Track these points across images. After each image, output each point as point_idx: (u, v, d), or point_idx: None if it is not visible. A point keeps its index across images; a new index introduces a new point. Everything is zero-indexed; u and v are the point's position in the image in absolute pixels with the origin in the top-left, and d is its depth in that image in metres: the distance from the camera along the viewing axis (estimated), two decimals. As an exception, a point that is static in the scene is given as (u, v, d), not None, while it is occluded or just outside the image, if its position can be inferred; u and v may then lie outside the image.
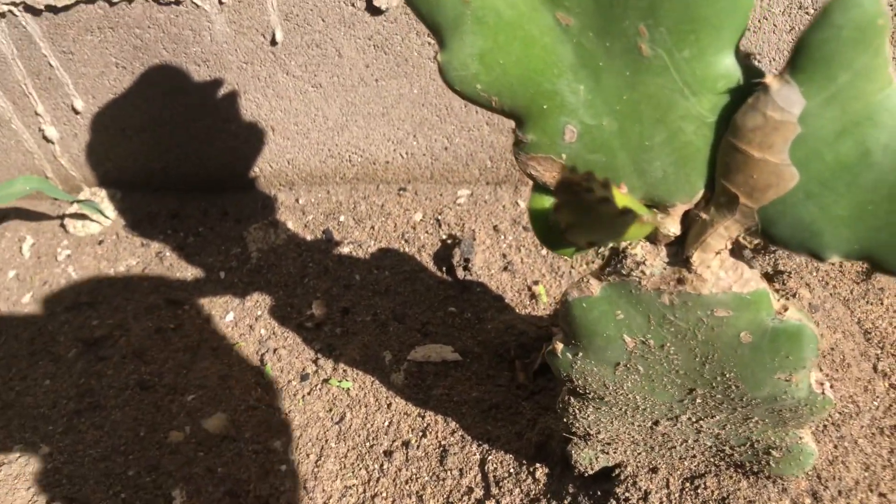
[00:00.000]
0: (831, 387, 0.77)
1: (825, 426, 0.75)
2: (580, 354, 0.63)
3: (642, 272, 0.55)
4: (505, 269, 1.07)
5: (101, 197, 1.33)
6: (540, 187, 0.54)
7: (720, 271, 0.53)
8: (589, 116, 0.49)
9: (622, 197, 0.45)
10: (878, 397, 0.77)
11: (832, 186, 0.46)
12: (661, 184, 0.51)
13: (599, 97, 0.48)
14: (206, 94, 1.15)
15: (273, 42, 1.06)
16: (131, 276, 1.22)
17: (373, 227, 1.17)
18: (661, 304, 0.56)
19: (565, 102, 0.49)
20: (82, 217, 1.31)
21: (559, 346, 0.64)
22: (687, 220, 0.54)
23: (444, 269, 1.10)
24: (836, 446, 0.74)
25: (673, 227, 0.53)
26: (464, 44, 0.48)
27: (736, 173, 0.47)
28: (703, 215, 0.51)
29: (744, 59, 0.46)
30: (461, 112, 1.09)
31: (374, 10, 0.99)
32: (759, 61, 0.96)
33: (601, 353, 0.62)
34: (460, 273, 1.06)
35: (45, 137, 1.29)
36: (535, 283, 1.05)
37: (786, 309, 0.55)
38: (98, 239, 1.30)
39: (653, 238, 0.54)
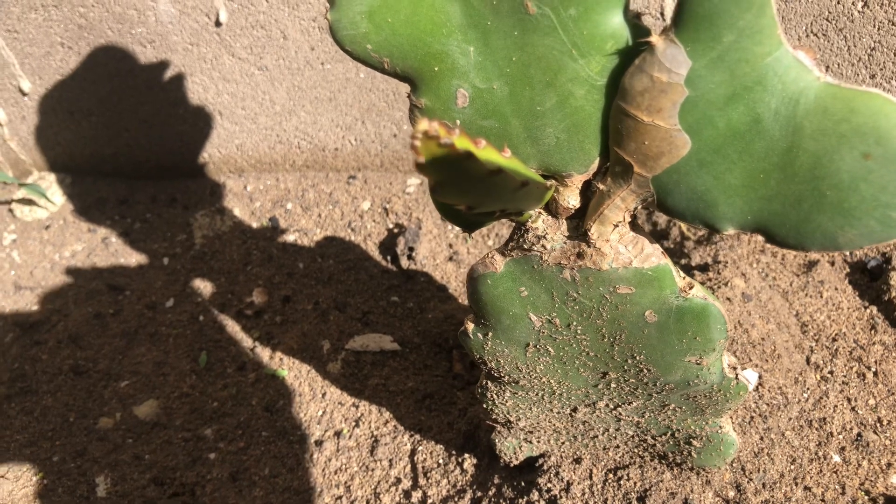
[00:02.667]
0: (760, 380, 0.75)
1: (752, 417, 0.73)
2: (490, 334, 0.61)
3: (543, 246, 0.53)
4: (450, 258, 1.05)
5: (50, 181, 1.31)
6: (438, 156, 0.52)
7: (619, 245, 0.51)
8: (480, 80, 0.47)
9: (490, 152, 0.43)
10: (808, 389, 0.76)
11: (725, 154, 0.44)
12: (554, 151, 0.49)
13: (489, 59, 0.46)
14: (152, 77, 1.13)
15: (217, 23, 1.04)
16: (75, 261, 1.20)
17: (319, 216, 1.15)
18: (564, 280, 0.54)
19: (456, 65, 0.47)
20: (30, 202, 1.28)
21: (470, 326, 0.62)
22: (588, 192, 0.52)
23: (388, 258, 1.08)
24: (762, 438, 0.72)
25: (572, 199, 0.51)
26: (352, 2, 0.46)
27: (628, 140, 0.45)
28: (601, 186, 0.50)
29: (633, 18, 0.44)
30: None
31: (318, -9, 0.97)
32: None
33: (510, 333, 0.60)
34: (404, 262, 1.04)
35: (-7, 120, 1.27)
36: (479, 273, 1.03)
37: (691, 287, 0.53)
38: (45, 224, 1.27)
39: (553, 211, 0.53)
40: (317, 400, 0.94)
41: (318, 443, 0.90)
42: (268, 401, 0.95)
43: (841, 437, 0.73)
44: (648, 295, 0.53)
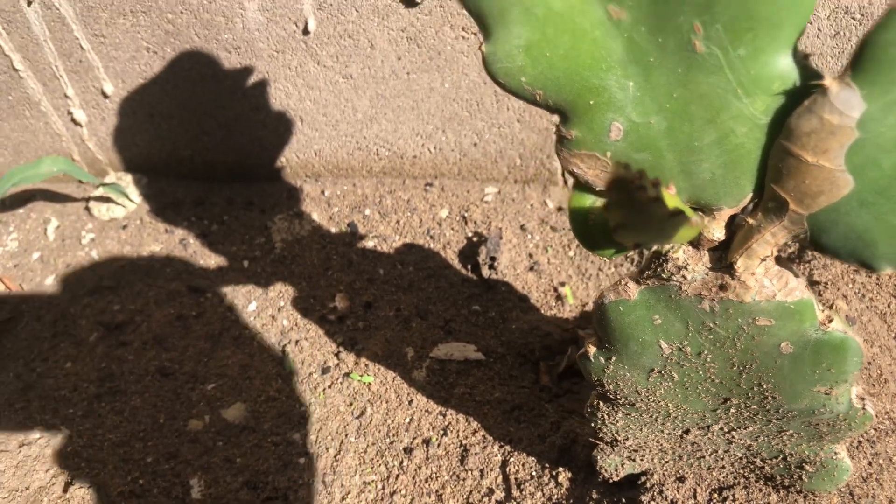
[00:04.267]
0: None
1: (860, 442, 0.73)
2: (613, 359, 0.61)
3: (683, 277, 0.54)
4: (531, 269, 1.06)
5: (127, 182, 1.33)
6: (581, 185, 0.53)
7: (764, 279, 0.52)
8: (637, 114, 0.48)
9: (672, 198, 0.43)
10: (914, 414, 0.76)
11: (888, 195, 0.44)
12: (708, 186, 0.49)
13: (649, 94, 0.47)
14: (235, 82, 1.15)
15: (305, 31, 1.05)
16: (154, 261, 1.22)
17: (398, 222, 1.16)
18: (702, 311, 0.54)
19: (613, 99, 0.48)
20: (107, 200, 1.31)
21: (591, 350, 0.63)
22: (732, 224, 0.52)
23: (468, 266, 1.08)
24: (870, 463, 0.72)
25: (718, 232, 0.52)
26: (510, 34, 0.47)
27: (787, 178, 0.46)
28: (750, 220, 0.50)
29: (801, 59, 0.44)
30: (492, 108, 1.08)
31: (409, 2, 0.98)
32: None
33: (635, 359, 0.60)
34: (485, 271, 1.05)
35: (73, 120, 1.29)
36: (562, 284, 1.03)
37: (830, 320, 0.53)
38: (122, 223, 1.30)
39: (696, 242, 0.53)
40: (403, 407, 0.95)
41: (408, 450, 0.91)
42: (355, 406, 0.96)
43: (948, 463, 0.73)
44: (788, 327, 0.53)
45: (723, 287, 0.53)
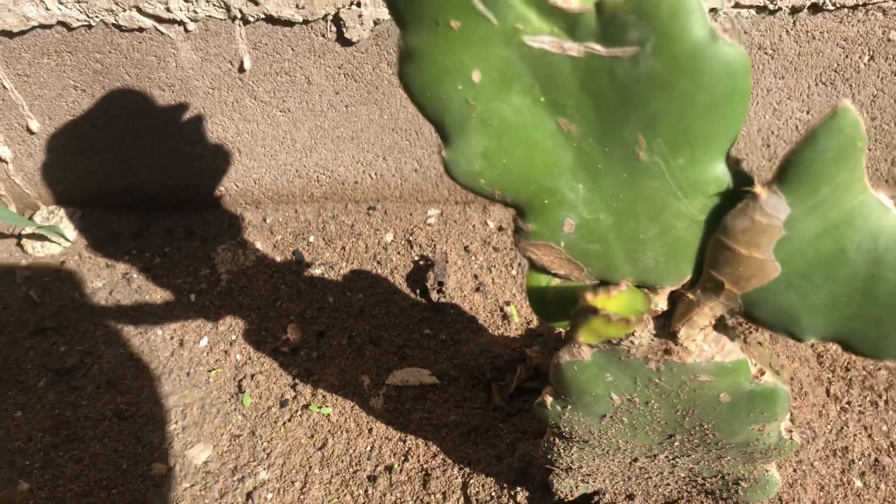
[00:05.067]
0: (791, 418, 0.83)
1: (786, 452, 0.81)
2: (569, 407, 0.67)
3: (631, 342, 0.59)
4: (477, 289, 1.11)
5: (60, 216, 1.31)
6: (537, 267, 0.57)
7: (704, 344, 0.58)
8: (587, 212, 0.52)
9: (620, 300, 0.48)
10: (830, 421, 0.84)
11: (811, 279, 0.50)
12: (652, 271, 0.54)
13: (597, 195, 0.51)
14: (170, 118, 1.14)
15: (241, 69, 1.05)
16: (98, 298, 1.21)
17: (343, 248, 1.19)
18: (649, 370, 0.60)
19: (565, 199, 0.52)
20: (41, 238, 1.28)
21: (549, 399, 0.68)
22: (673, 296, 0.58)
23: (417, 291, 1.12)
24: (795, 470, 0.80)
25: (661, 304, 0.57)
26: (469, 143, 0.50)
27: (723, 266, 0.51)
28: (690, 296, 0.55)
29: (733, 164, 0.49)
30: (431, 137, 1.11)
31: (345, 42, 0.99)
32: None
33: (589, 408, 0.66)
34: (434, 296, 1.09)
35: (-3, 156, 1.25)
36: (507, 303, 1.09)
37: (762, 373, 0.59)
38: (59, 260, 1.27)
39: (642, 312, 0.58)
40: (364, 435, 0.99)
41: (372, 478, 0.95)
42: (316, 438, 1.00)
43: (861, 462, 0.82)
44: (726, 381, 0.59)
45: (667, 351, 0.58)
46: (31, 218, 1.31)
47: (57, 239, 1.28)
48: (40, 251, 1.29)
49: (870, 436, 0.84)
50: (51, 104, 1.15)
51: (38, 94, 1.14)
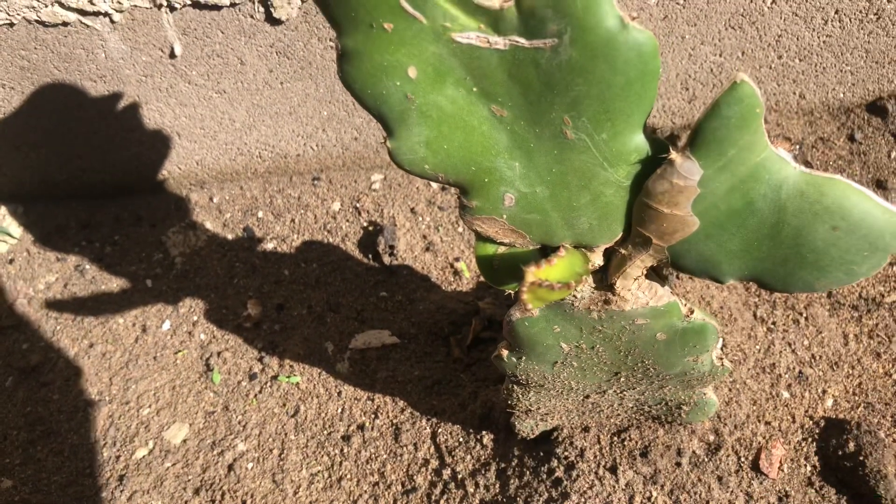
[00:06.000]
0: (723, 343, 0.91)
1: (721, 374, 0.90)
2: (523, 358, 0.73)
3: (574, 297, 0.65)
4: (427, 249, 1.15)
5: (2, 213, 1.30)
6: (483, 238, 0.63)
7: (638, 292, 0.64)
8: (524, 186, 0.57)
9: (560, 267, 0.54)
10: (759, 342, 0.93)
11: (726, 228, 0.56)
12: (587, 233, 0.60)
13: (532, 171, 0.56)
14: (105, 107, 1.14)
15: (172, 55, 1.05)
16: (53, 293, 1.22)
17: (293, 221, 1.22)
18: (591, 319, 0.66)
19: (503, 176, 0.57)
20: (-15, 237, 1.28)
21: (504, 353, 0.74)
22: (608, 252, 0.64)
23: (369, 255, 1.17)
24: (730, 389, 0.89)
25: (598, 260, 0.63)
26: (411, 133, 0.55)
27: (649, 223, 0.57)
28: (623, 251, 0.61)
29: (650, 134, 0.55)
30: (367, 105, 1.14)
31: (274, 21, 1.00)
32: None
33: (541, 357, 0.72)
34: (386, 259, 1.14)
35: (-72, 160, 1.24)
36: (457, 259, 1.14)
37: (692, 312, 0.66)
38: (8, 258, 1.27)
39: (581, 269, 0.64)
40: (333, 399, 1.04)
41: (346, 437, 1.01)
42: (288, 406, 1.05)
43: (787, 376, 0.91)
44: (661, 322, 0.66)
45: (606, 301, 0.64)
46: (-28, 219, 1.30)
47: (2, 237, 1.27)
48: (-14, 251, 1.28)
49: (793, 351, 0.93)
50: (-21, 104, 1.14)
51: (-36, 94, 1.12)
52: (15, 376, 1.13)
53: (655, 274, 0.67)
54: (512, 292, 0.71)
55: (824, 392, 0.90)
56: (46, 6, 0.98)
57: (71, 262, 1.25)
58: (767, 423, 0.87)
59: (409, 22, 0.49)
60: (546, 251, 0.63)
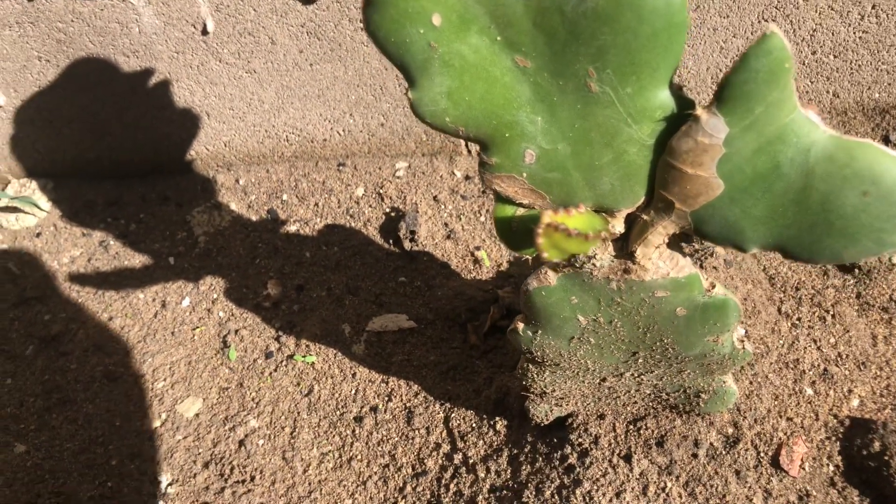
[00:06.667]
0: (746, 334, 0.89)
1: (742, 367, 0.87)
2: (539, 332, 0.72)
3: (593, 265, 0.64)
4: (448, 237, 1.15)
5: (33, 188, 1.32)
6: (502, 199, 0.62)
7: (659, 261, 0.63)
8: (546, 142, 0.56)
9: (578, 219, 0.53)
10: (782, 336, 0.90)
11: (751, 193, 0.55)
12: (609, 195, 0.59)
13: (555, 126, 0.55)
14: (137, 84, 1.15)
15: (204, 32, 1.07)
16: (77, 267, 1.23)
17: (317, 205, 1.22)
18: (610, 290, 0.65)
19: (525, 131, 0.56)
20: (15, 210, 1.30)
21: (520, 326, 0.73)
22: (629, 218, 0.62)
23: (390, 241, 1.16)
24: (751, 382, 0.87)
25: (619, 227, 0.62)
26: (433, 83, 0.54)
27: (672, 185, 0.56)
28: (644, 217, 0.60)
29: (676, 91, 0.54)
30: (396, 91, 1.14)
31: (307, 0, 1.01)
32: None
33: (558, 331, 0.71)
34: (407, 245, 1.13)
35: (-36, 132, 1.26)
36: (477, 248, 1.13)
37: (713, 286, 0.65)
38: (35, 231, 1.29)
39: (601, 236, 0.63)
40: (348, 380, 1.04)
41: (358, 419, 1.00)
42: (302, 386, 1.04)
43: (811, 372, 0.88)
44: (681, 296, 0.64)
45: (626, 270, 0.63)
46: (2, 191, 1.32)
47: (31, 210, 1.29)
48: (15, 224, 1.30)
49: (819, 348, 0.90)
50: (15, 76, 1.16)
51: (1, 66, 1.14)
52: (35, 345, 1.14)
53: (677, 247, 0.65)
54: (530, 258, 0.70)
55: (850, 391, 0.87)
56: (85, -22, 1.00)
57: (96, 237, 1.26)
58: (789, 420, 0.85)
59: (435, -33, 0.49)
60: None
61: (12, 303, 1.21)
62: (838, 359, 0.90)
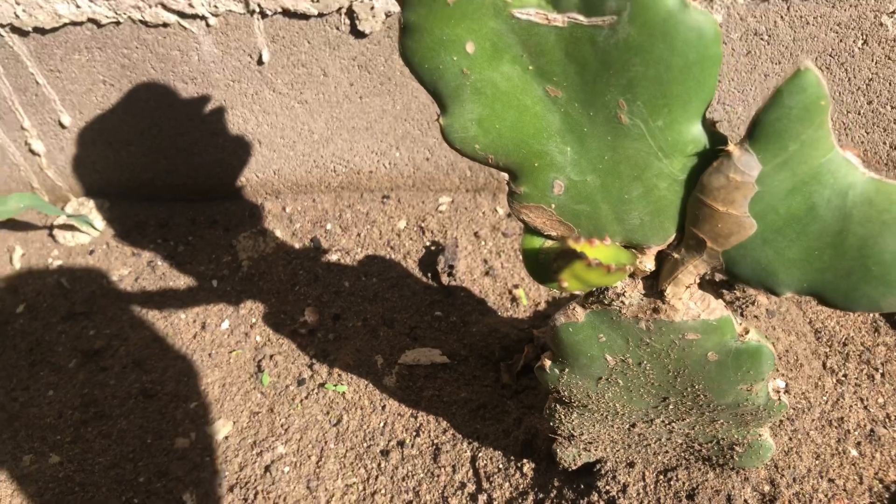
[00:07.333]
0: (786, 388, 0.86)
1: (781, 421, 0.84)
2: (566, 370, 0.70)
3: (622, 302, 0.62)
4: (486, 273, 1.14)
5: (90, 207, 1.37)
6: (531, 230, 0.61)
7: (690, 302, 0.61)
8: (575, 173, 0.56)
9: (602, 251, 0.52)
10: (826, 393, 0.86)
11: (785, 234, 0.53)
12: (638, 230, 0.58)
13: (584, 157, 0.55)
14: (193, 110, 1.19)
15: (260, 62, 1.10)
16: (125, 285, 1.26)
17: (359, 235, 1.23)
18: (639, 329, 0.63)
19: (554, 161, 0.56)
20: (71, 228, 1.34)
21: (547, 363, 0.71)
22: (660, 256, 0.61)
23: (428, 274, 1.16)
24: (790, 438, 0.83)
25: (648, 264, 0.61)
26: (464, 110, 0.54)
27: (703, 223, 0.54)
28: (675, 255, 0.59)
29: (709, 126, 0.53)
30: (442, 126, 1.15)
31: (358, 34, 1.04)
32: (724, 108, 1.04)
33: (585, 370, 0.69)
34: (445, 279, 1.13)
35: (31, 150, 1.32)
36: (516, 286, 1.12)
37: (747, 332, 0.62)
38: (89, 249, 1.33)
39: (631, 273, 0.62)
40: (377, 412, 1.03)
41: (384, 452, 0.99)
42: (332, 415, 1.04)
43: (857, 433, 0.84)
44: (712, 340, 0.62)
45: (656, 310, 0.61)
46: (62, 209, 1.37)
47: (87, 229, 1.34)
48: (71, 241, 1.35)
49: (865, 407, 0.86)
50: (81, 98, 1.21)
51: (69, 88, 1.20)
52: (78, 359, 1.17)
53: (709, 287, 0.63)
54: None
55: (898, 455, 0.82)
56: (150, 7, 1.04)
57: (145, 257, 1.30)
58: (831, 481, 0.80)
59: (470, -4, 0.50)
60: (593, 245, 0.61)
61: (61, 316, 1.24)
62: (886, 420, 0.85)
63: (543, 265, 0.63)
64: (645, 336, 0.64)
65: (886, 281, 0.51)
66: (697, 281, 0.60)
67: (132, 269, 1.29)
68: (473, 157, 0.57)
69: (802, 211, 0.52)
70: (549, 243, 0.62)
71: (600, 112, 0.53)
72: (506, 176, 0.59)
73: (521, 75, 0.53)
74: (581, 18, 0.49)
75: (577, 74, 0.51)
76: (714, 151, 0.53)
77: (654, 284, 0.62)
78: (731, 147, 0.51)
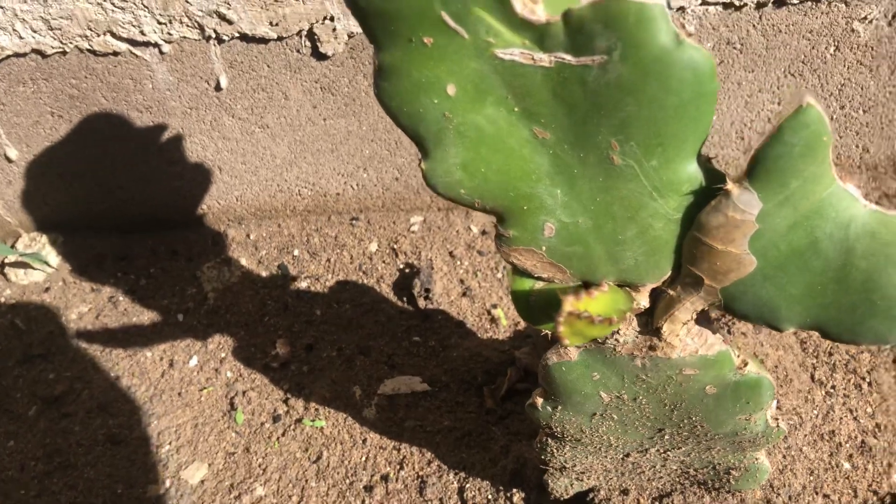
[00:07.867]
0: (778, 405, 0.85)
1: (774, 439, 0.83)
2: (559, 408, 0.68)
3: (616, 340, 0.60)
4: (464, 294, 1.11)
5: (42, 243, 1.30)
6: (520, 272, 0.58)
7: (687, 338, 0.59)
8: (566, 216, 0.53)
9: (601, 300, 0.50)
10: (816, 406, 0.86)
11: (786, 270, 0.51)
12: (633, 270, 0.55)
13: (575, 199, 0.52)
14: (149, 139, 1.14)
15: (218, 88, 1.05)
16: (85, 323, 1.21)
17: (328, 260, 1.19)
18: (635, 366, 0.61)
19: (543, 204, 0.53)
20: (24, 265, 1.28)
21: (539, 401, 0.69)
22: (654, 293, 0.59)
23: (404, 298, 1.13)
24: (784, 456, 0.82)
25: (643, 301, 0.58)
26: (447, 154, 0.51)
27: (701, 261, 0.52)
28: (671, 292, 0.57)
29: (705, 162, 0.51)
30: (411, 145, 1.12)
31: (321, 56, 1.00)
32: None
33: (579, 407, 0.67)
34: (421, 302, 1.10)
35: (-24, 186, 1.25)
36: (494, 306, 1.10)
37: (745, 364, 0.61)
38: (44, 286, 1.27)
39: (625, 311, 0.59)
40: (358, 446, 1.00)
41: (368, 488, 0.96)
42: (311, 452, 1.00)
43: (848, 445, 0.83)
44: (710, 374, 0.60)
45: (652, 347, 0.59)
46: (13, 246, 1.31)
47: (40, 266, 1.28)
48: (24, 279, 1.28)
49: (855, 418, 0.86)
50: (28, 131, 1.15)
51: (14, 121, 1.14)
52: (38, 406, 1.11)
53: (707, 322, 0.62)
54: (549, 333, 0.66)
55: (890, 465, 0.82)
56: (98, 35, 0.99)
57: (105, 293, 1.24)
58: (826, 497, 0.80)
59: (450, 37, 0.46)
60: (587, 288, 0.59)
61: (17, 360, 1.18)
62: (876, 430, 0.85)
63: (534, 308, 0.60)
64: (641, 373, 0.62)
65: (892, 315, 0.50)
66: (695, 317, 0.58)
67: (92, 305, 1.23)
68: (458, 202, 0.54)
69: (804, 246, 0.50)
70: (539, 285, 0.60)
71: (591, 153, 0.50)
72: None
73: (506, 117, 0.50)
74: (569, 58, 0.46)
75: (566, 115, 0.49)
76: (711, 190, 0.51)
77: (649, 321, 0.60)
78: (730, 185, 0.49)
